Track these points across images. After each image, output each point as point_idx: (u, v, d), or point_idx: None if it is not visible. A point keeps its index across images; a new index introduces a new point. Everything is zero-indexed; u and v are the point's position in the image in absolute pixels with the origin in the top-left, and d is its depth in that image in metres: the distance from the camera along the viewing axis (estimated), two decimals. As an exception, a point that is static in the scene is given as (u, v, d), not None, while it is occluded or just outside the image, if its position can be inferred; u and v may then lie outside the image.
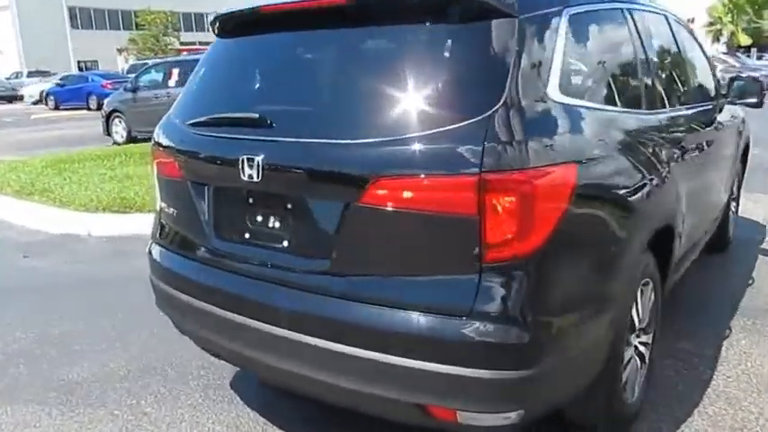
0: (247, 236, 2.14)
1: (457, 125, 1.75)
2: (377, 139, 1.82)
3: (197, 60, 10.27)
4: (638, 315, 2.36)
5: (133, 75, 21.86)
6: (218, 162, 2.16)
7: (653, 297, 2.50)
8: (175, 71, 11.81)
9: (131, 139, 12.40)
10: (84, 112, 24.01)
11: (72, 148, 11.00)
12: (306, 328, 1.96)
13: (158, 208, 2.56)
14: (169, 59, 13.82)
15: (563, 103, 1.93)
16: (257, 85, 2.25)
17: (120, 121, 12.83)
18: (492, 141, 1.70)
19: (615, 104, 2.31)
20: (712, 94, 3.66)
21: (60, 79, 28.24)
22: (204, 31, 53.60)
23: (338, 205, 1.89)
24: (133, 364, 3.24)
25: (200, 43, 45.51)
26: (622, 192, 2.09)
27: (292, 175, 1.97)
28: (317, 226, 1.98)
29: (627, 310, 2.20)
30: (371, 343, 1.84)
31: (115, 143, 12.62)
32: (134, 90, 12.65)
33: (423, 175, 1.76)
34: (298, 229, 2.02)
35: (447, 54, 1.86)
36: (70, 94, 25.42)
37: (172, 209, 2.42)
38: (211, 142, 2.18)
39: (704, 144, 3.14)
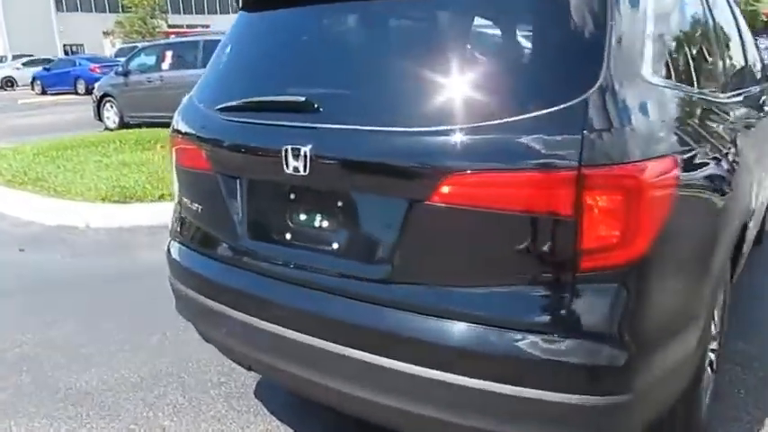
0: (288, 236, 1.89)
1: (547, 110, 1.49)
2: (450, 127, 1.56)
3: (192, 43, 9.95)
4: (714, 322, 2.14)
5: (122, 58, 21.41)
6: (256, 153, 1.90)
7: (724, 300, 2.28)
8: (169, 54, 11.43)
9: (124, 125, 12.02)
10: (73, 96, 23.48)
11: (63, 134, 10.62)
12: (357, 342, 1.71)
13: (178, 202, 2.29)
14: (162, 42, 13.40)
15: (657, 85, 1.69)
16: (297, 64, 1.98)
17: (111, 106, 12.43)
18: (591, 130, 1.45)
19: (699, 86, 2.07)
20: (760, 75, 3.44)
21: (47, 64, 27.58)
22: (192, 13, 52.72)
23: (402, 204, 1.64)
24: (145, 370, 2.99)
25: (188, 26, 44.73)
26: (718, 186, 1.86)
27: (346, 168, 1.71)
28: (374, 227, 1.73)
29: (711, 317, 1.98)
30: (436, 361, 1.60)
31: (107, 129, 12.23)
32: (126, 74, 12.23)
33: (507, 170, 1.51)
34: (350, 230, 1.77)
35: (532, 24, 1.60)
36: (57, 79, 24.85)
37: (196, 204, 2.15)
38: (246, 130, 1.92)
39: (764, 129, 2.91)
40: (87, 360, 3.12)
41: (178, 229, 2.31)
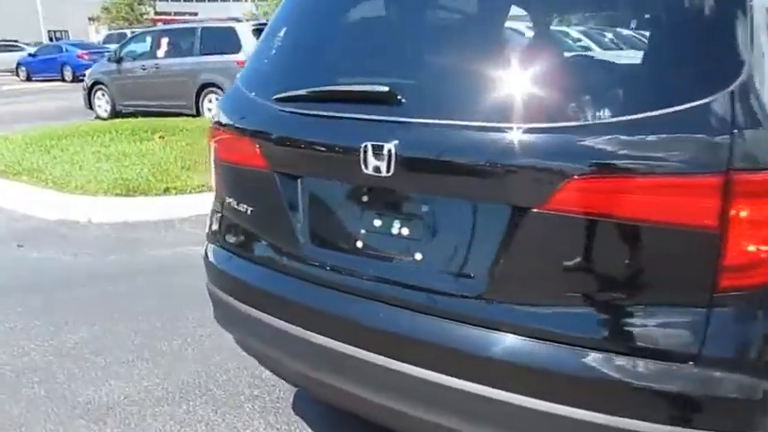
0: (359, 244, 1.67)
1: (687, 106, 1.29)
2: (570, 124, 1.35)
3: (189, 30, 9.58)
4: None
5: (111, 45, 20.92)
6: (324, 149, 1.68)
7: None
8: (164, 41, 11.07)
9: (116, 114, 11.67)
10: (59, 83, 22.92)
11: (53, 123, 10.25)
12: (442, 365, 1.51)
13: (219, 201, 2.06)
14: (157, 28, 13.01)
15: None
16: (371, 48, 1.74)
17: (103, 95, 12.05)
18: (741, 128, 1.25)
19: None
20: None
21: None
22: (179, 0, 51.82)
23: (504, 210, 1.43)
24: (170, 382, 2.77)
25: (176, 13, 43.97)
26: None
27: (438, 169, 1.49)
28: (468, 236, 1.51)
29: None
30: (540, 390, 1.40)
31: (98, 117, 11.86)
32: (118, 61, 11.84)
33: (637, 175, 1.30)
34: (438, 238, 1.55)
35: (666, 8, 1.39)
36: (43, 65, 24.23)
37: (245, 205, 1.93)
38: (312, 123, 1.69)
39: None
40: (104, 370, 2.88)
41: (219, 232, 2.08)
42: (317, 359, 1.74)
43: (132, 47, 12.09)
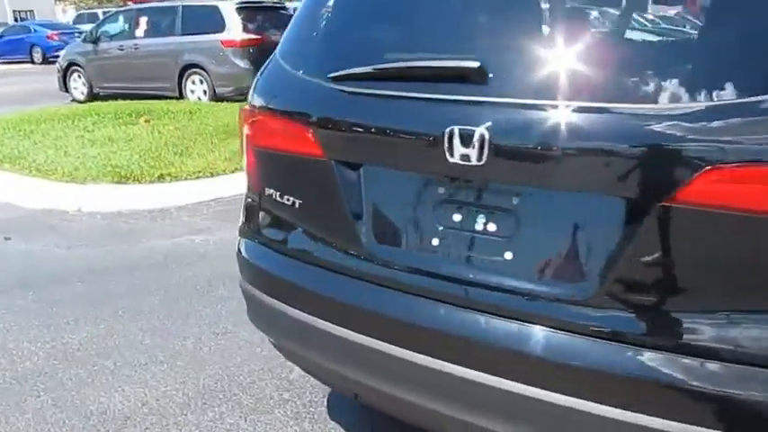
0: (434, 242, 1.48)
1: None
2: (705, 104, 1.17)
3: (169, 9, 9.15)
4: None
5: (83, 25, 20.21)
6: (396, 135, 1.47)
7: None
8: (143, 20, 10.62)
9: (93, 96, 11.22)
10: (28, 66, 22.10)
11: (29, 107, 9.80)
12: (535, 378, 1.33)
13: (257, 193, 1.85)
14: (135, 7, 12.46)
15: None
16: (449, 15, 1.52)
17: (79, 76, 11.57)
18: None
19: None
20: None
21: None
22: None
23: (620, 204, 1.25)
24: (190, 386, 2.56)
25: (147, -7, 42.78)
26: None
27: (540, 157, 1.30)
28: (573, 233, 1.33)
29: None
30: (667, 409, 1.23)
31: (75, 101, 11.41)
32: (95, 41, 11.35)
33: None
34: (533, 235, 1.37)
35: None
36: (10, 47, 23.30)
37: (291, 197, 1.72)
38: (381, 106, 1.49)
39: None
40: (115, 374, 2.67)
41: (257, 227, 1.87)
42: (383, 369, 1.55)
43: (109, 26, 11.58)
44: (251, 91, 1.84)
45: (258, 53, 9.70)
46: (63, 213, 4.84)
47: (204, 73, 9.86)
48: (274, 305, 1.77)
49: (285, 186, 1.74)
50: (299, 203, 1.71)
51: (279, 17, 10.51)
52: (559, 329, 1.32)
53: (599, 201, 1.28)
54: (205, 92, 9.86)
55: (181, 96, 9.97)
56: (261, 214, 1.87)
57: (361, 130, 1.53)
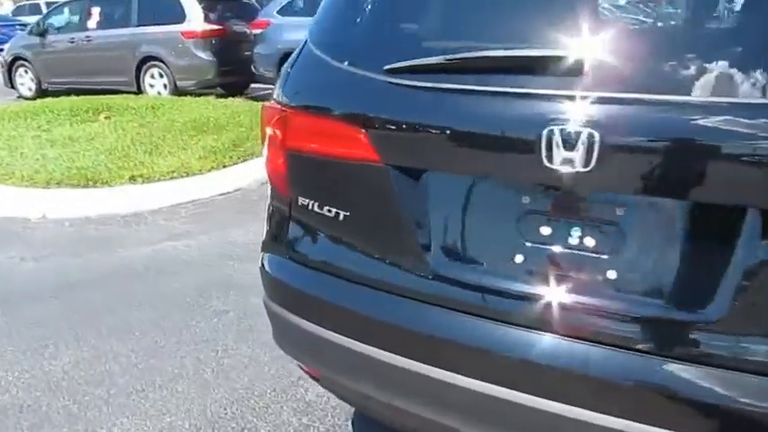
0: (518, 259, 1.29)
1: None
2: None
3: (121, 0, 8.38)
4: None
5: (24, 18, 19.16)
6: (476, 137, 1.27)
7: None
8: (95, 11, 10.02)
9: (42, 92, 10.58)
10: (-35, 60, 20.84)
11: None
12: (656, 416, 1.16)
13: (287, 203, 1.63)
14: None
15: None
16: None
17: (26, 71, 10.89)
18: None
19: None
20: None
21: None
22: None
23: (758, 216, 1.08)
24: (196, 414, 2.31)
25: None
26: None
27: (657, 162, 1.12)
28: (698, 248, 1.16)
29: None
30: None
31: (21, 97, 10.75)
32: (42, 34, 10.68)
33: None
34: (642, 251, 1.19)
35: None
36: (-56, 40, 21.89)
37: (332, 207, 1.50)
38: (455, 103, 1.27)
39: None
40: (109, 404, 2.39)
41: (288, 241, 1.64)
42: (459, 406, 1.36)
43: (58, 17, 10.90)
44: (278, 86, 1.61)
45: (220, 44, 9.33)
46: (25, 221, 4.45)
47: (164, 66, 9.39)
48: (315, 331, 1.55)
49: (327, 195, 1.52)
50: (345, 215, 1.49)
51: (242, 7, 10.12)
52: (679, 359, 1.15)
53: (733, 212, 1.10)
54: (165, 86, 9.39)
55: (139, 91, 9.48)
56: (292, 226, 1.64)
57: (428, 131, 1.32)
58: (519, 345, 1.27)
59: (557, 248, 1.26)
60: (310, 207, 1.56)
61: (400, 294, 1.41)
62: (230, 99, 8.36)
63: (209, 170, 5.08)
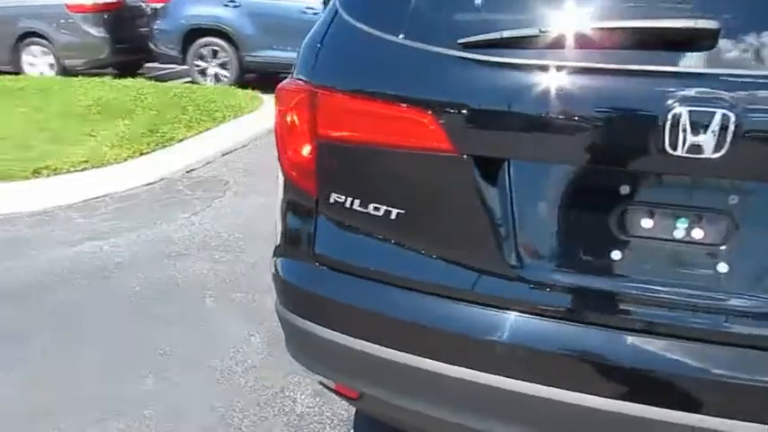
0: (615, 255, 1.16)
1: None
2: None
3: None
4: None
5: None
6: (579, 121, 1.11)
7: None
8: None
9: None
10: None
11: None
12: None
13: (316, 199, 1.40)
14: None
15: None
16: None
17: None
18: None
19: None
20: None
21: None
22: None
23: None
24: (175, 442, 2.02)
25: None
26: None
27: None
28: None
29: None
30: None
31: None
32: None
33: None
34: (758, 243, 1.10)
35: None
36: None
37: (380, 204, 1.29)
38: (555, 82, 1.10)
39: None
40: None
41: (315, 244, 1.41)
42: (551, 423, 1.22)
43: None
44: (304, 63, 1.37)
45: (114, 20, 8.51)
46: None
47: (47, 43, 8.43)
48: (364, 348, 1.34)
49: (374, 191, 1.31)
50: (400, 213, 1.28)
51: (135, -23, 9.28)
52: None
53: None
54: (52, 65, 8.45)
55: (19, 71, 8.46)
56: (322, 228, 1.41)
57: (515, 115, 1.15)
58: (623, 349, 1.15)
59: (660, 243, 1.14)
60: (349, 205, 1.35)
61: (475, 301, 1.24)
62: (130, 80, 7.66)
63: (126, 159, 4.59)
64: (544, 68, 1.11)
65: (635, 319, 1.15)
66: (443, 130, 1.19)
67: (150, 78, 8.11)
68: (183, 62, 8.44)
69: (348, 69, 1.31)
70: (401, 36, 1.24)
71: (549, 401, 1.18)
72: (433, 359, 1.27)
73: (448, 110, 1.19)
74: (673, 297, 1.13)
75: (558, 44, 1.10)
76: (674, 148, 1.03)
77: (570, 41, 1.09)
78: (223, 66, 8.29)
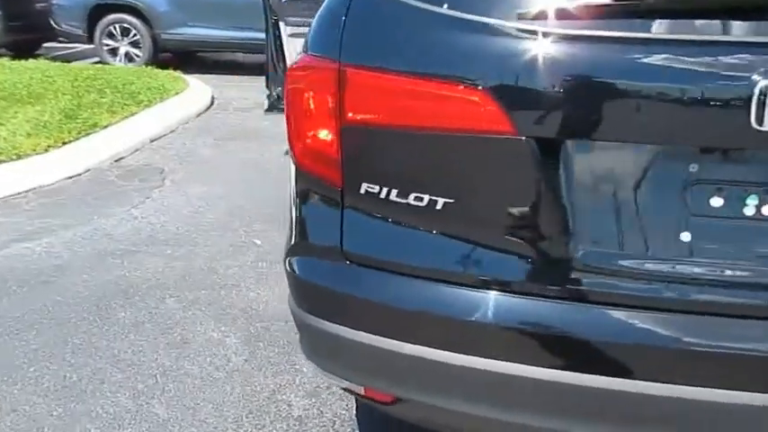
0: (685, 237, 1.10)
1: None
2: None
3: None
4: None
5: None
6: (653, 96, 1.03)
7: None
8: None
9: None
10: None
11: None
12: None
13: (341, 190, 1.26)
14: None
15: None
16: None
17: None
18: None
19: None
20: None
21: None
22: None
23: None
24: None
25: None
26: None
27: None
28: None
29: None
30: None
31: None
32: None
33: None
34: None
35: None
36: None
37: (421, 193, 1.18)
38: (626, 55, 1.01)
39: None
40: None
41: (342, 240, 1.28)
42: (644, 416, 1.15)
43: None
44: (324, 37, 1.22)
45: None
46: None
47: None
48: (403, 351, 1.23)
49: (414, 179, 1.19)
50: (448, 203, 1.17)
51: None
52: None
53: None
54: (-65, 47, 7.58)
55: None
56: (351, 222, 1.27)
57: (582, 91, 1.05)
58: (707, 336, 1.10)
59: (731, 222, 1.09)
60: (384, 196, 1.22)
61: (536, 294, 1.16)
62: (32, 61, 6.99)
63: (47, 149, 4.16)
64: (614, 41, 1.03)
65: (711, 301, 1.11)
66: (500, 110, 1.09)
67: (53, 59, 7.43)
68: (89, 41, 7.81)
69: (382, 45, 1.17)
70: (445, 6, 1.11)
71: (639, 396, 1.11)
72: (491, 359, 1.18)
73: (506, 88, 1.09)
74: (750, 278, 1.10)
75: (630, 14, 1.01)
76: (761, 123, 0.98)
77: (645, 11, 1.01)
78: (135, 45, 7.73)
